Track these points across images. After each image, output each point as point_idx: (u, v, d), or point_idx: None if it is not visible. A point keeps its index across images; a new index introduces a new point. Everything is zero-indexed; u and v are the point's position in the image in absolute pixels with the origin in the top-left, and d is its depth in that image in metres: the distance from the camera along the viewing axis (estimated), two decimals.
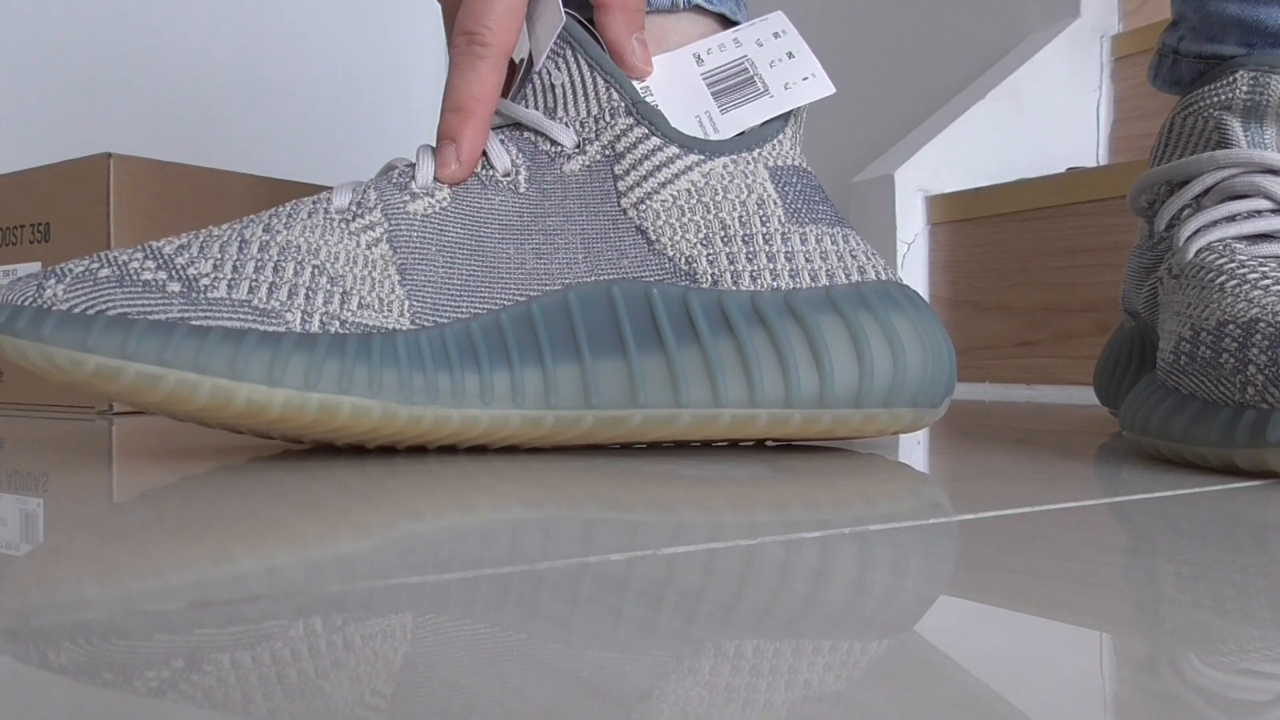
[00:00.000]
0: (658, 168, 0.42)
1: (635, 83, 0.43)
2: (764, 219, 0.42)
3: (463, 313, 0.38)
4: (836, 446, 0.46)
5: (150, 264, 0.37)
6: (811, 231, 0.42)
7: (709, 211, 0.41)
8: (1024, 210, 0.97)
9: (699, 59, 0.45)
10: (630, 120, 0.42)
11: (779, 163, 0.43)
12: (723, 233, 0.41)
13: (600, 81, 0.42)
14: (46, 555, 0.22)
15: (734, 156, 0.42)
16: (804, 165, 0.44)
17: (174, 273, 0.36)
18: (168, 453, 0.43)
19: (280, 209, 0.40)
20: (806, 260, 0.41)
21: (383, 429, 0.37)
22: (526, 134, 0.43)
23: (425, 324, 0.38)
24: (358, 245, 0.38)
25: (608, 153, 0.42)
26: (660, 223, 0.41)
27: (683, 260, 0.41)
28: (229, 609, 0.18)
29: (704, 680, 0.14)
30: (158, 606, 0.18)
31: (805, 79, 0.45)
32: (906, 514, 0.27)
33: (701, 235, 0.41)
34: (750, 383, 0.39)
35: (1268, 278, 0.38)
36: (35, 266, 0.73)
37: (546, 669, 0.14)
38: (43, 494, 0.32)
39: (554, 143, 0.42)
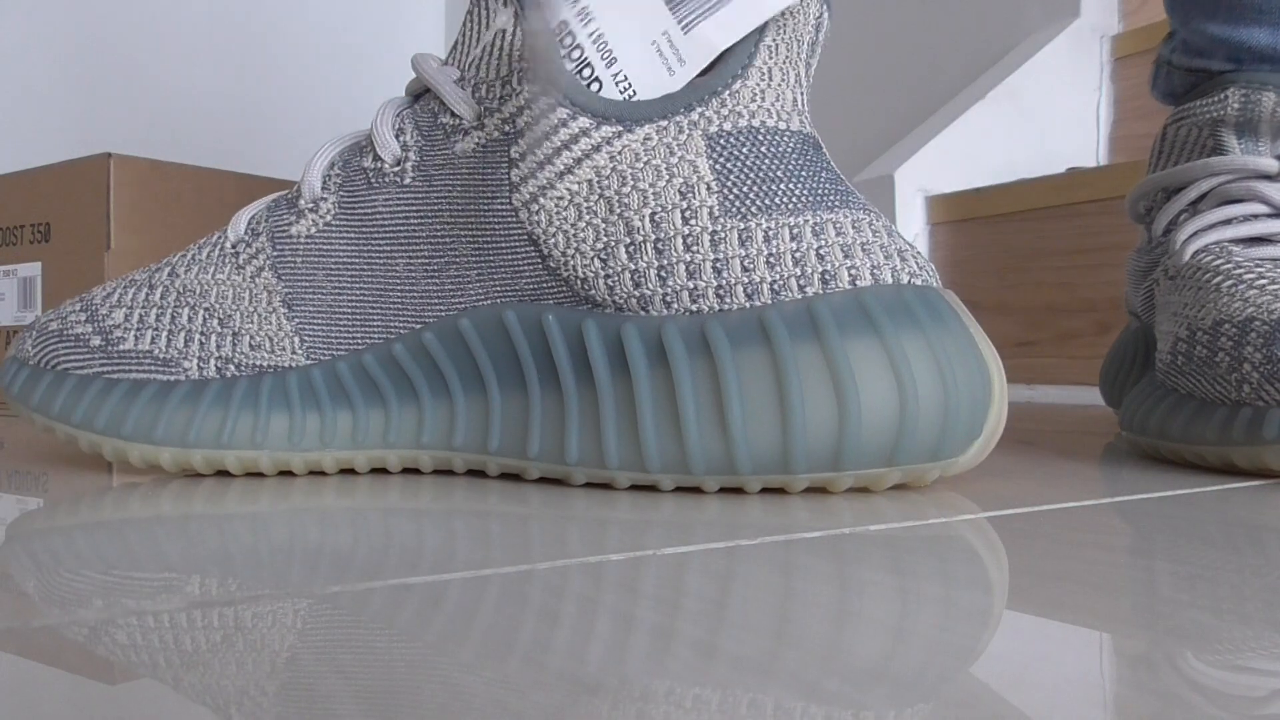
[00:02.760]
0: (559, 150, 0.32)
1: (569, 5, 0.32)
2: (687, 215, 0.31)
3: (357, 344, 0.34)
4: None
5: (81, 315, 0.37)
6: (758, 227, 0.30)
7: (611, 211, 0.31)
8: (1024, 210, 0.97)
9: None
10: (533, 87, 0.32)
11: (729, 125, 0.31)
12: (628, 240, 0.31)
13: (514, 30, 0.33)
14: (46, 555, 0.22)
15: (661, 124, 0.31)
16: (778, 124, 0.32)
17: (96, 324, 0.36)
18: None
19: (190, 247, 0.37)
20: (744, 269, 0.30)
21: (291, 471, 0.35)
22: (432, 103, 0.35)
23: (321, 358, 0.34)
24: (244, 279, 0.35)
25: (507, 128, 0.32)
26: (552, 230, 0.32)
27: (578, 281, 0.32)
28: (229, 609, 0.18)
29: (703, 680, 0.14)
30: (158, 606, 0.18)
31: None
32: (906, 515, 0.27)
33: (600, 246, 0.31)
34: (640, 441, 0.30)
35: (1263, 278, 0.38)
36: (35, 266, 0.73)
37: (546, 669, 0.14)
38: (43, 494, 0.32)
39: (453, 114, 0.34)
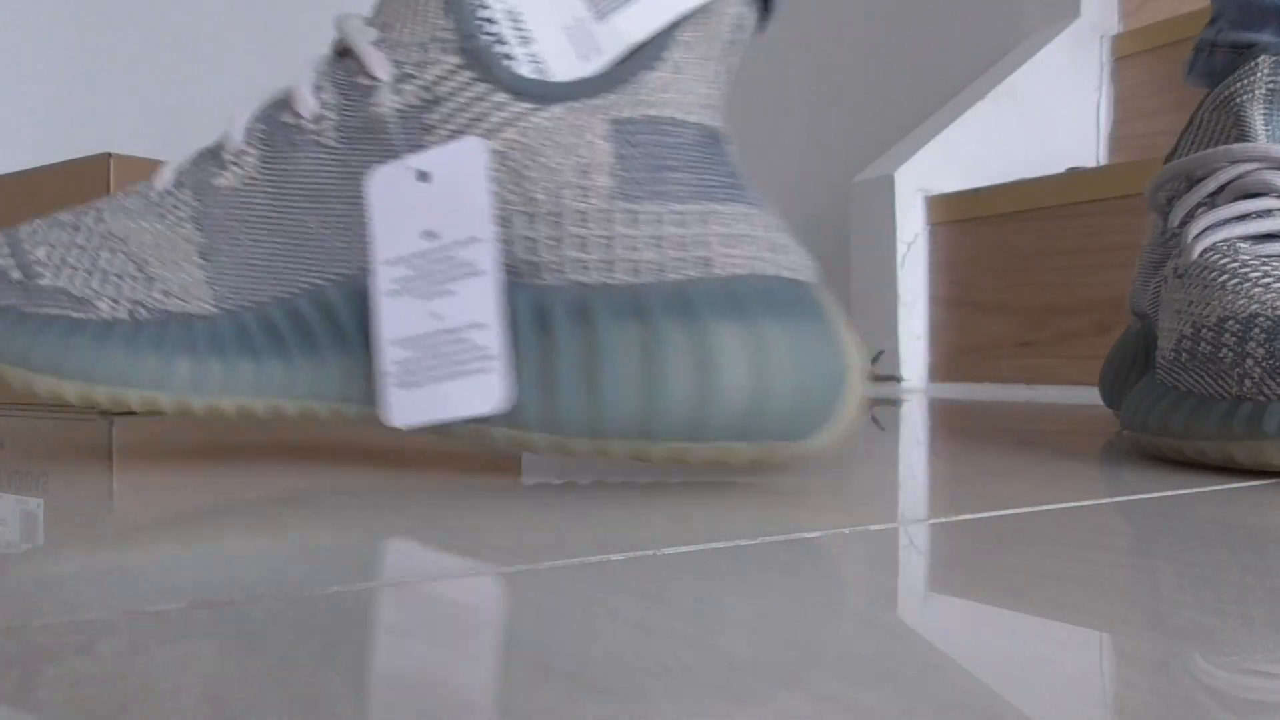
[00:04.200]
0: (472, 122, 0.33)
1: None
2: (583, 193, 0.33)
3: (264, 296, 0.35)
4: (838, 450, 0.46)
5: (5, 249, 0.37)
6: (648, 210, 0.32)
7: (514, 182, 0.33)
8: (1024, 210, 0.97)
9: None
10: (457, 60, 0.34)
11: (634, 113, 0.33)
12: (525, 210, 0.33)
13: (435, 1, 0.34)
14: (46, 555, 0.22)
15: (572, 104, 0.33)
16: (682, 116, 0.34)
17: (19, 258, 0.37)
18: (168, 453, 0.43)
19: (118, 194, 0.38)
20: (631, 249, 0.32)
21: (192, 414, 0.36)
22: (352, 63, 0.35)
23: (229, 308, 0.35)
24: (165, 227, 0.36)
25: (425, 96, 0.34)
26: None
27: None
28: (229, 609, 0.18)
29: (703, 680, 0.14)
30: (158, 606, 0.18)
31: None
32: (902, 515, 0.27)
33: (500, 214, 0.33)
34: (520, 400, 0.32)
35: (1269, 275, 0.38)
36: None
37: (546, 668, 0.14)
38: (43, 494, 0.32)
39: (371, 76, 0.35)
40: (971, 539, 0.24)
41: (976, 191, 1.02)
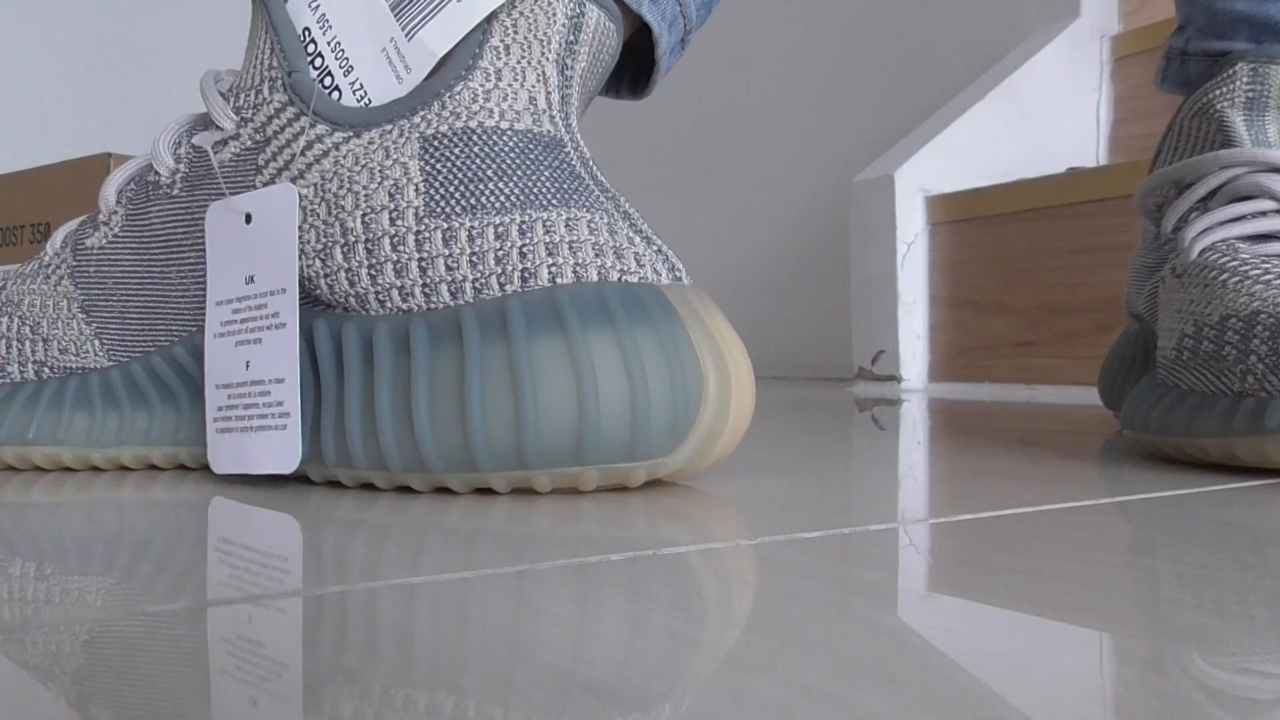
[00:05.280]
0: (294, 157, 0.33)
1: (309, 6, 0.33)
2: (394, 216, 0.31)
3: (149, 346, 0.36)
4: (836, 448, 0.46)
5: None
6: (462, 226, 0.31)
7: (330, 213, 0.32)
8: (1024, 210, 0.97)
9: None
10: (284, 97, 0.33)
11: (445, 127, 0.32)
12: (343, 241, 0.32)
13: (267, 40, 0.34)
14: (47, 555, 0.22)
15: (385, 127, 0.32)
16: (499, 124, 0.32)
17: None
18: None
19: (26, 263, 0.40)
20: (448, 269, 0.31)
21: (94, 465, 0.37)
22: (207, 117, 0.36)
23: (120, 359, 0.37)
24: (49, 287, 0.38)
25: (257, 137, 0.34)
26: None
27: (305, 281, 0.33)
28: (229, 609, 0.18)
29: (704, 680, 0.14)
30: (158, 606, 0.18)
31: None
32: (902, 515, 0.27)
33: (320, 246, 0.32)
34: (346, 438, 0.31)
35: (1270, 273, 0.38)
36: None
37: (544, 669, 0.14)
38: (42, 493, 0.32)
39: (218, 127, 0.35)
40: (971, 539, 0.24)
41: (976, 191, 1.02)
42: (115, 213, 0.37)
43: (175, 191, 0.36)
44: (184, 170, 0.36)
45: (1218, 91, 0.46)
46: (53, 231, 0.72)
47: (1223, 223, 0.42)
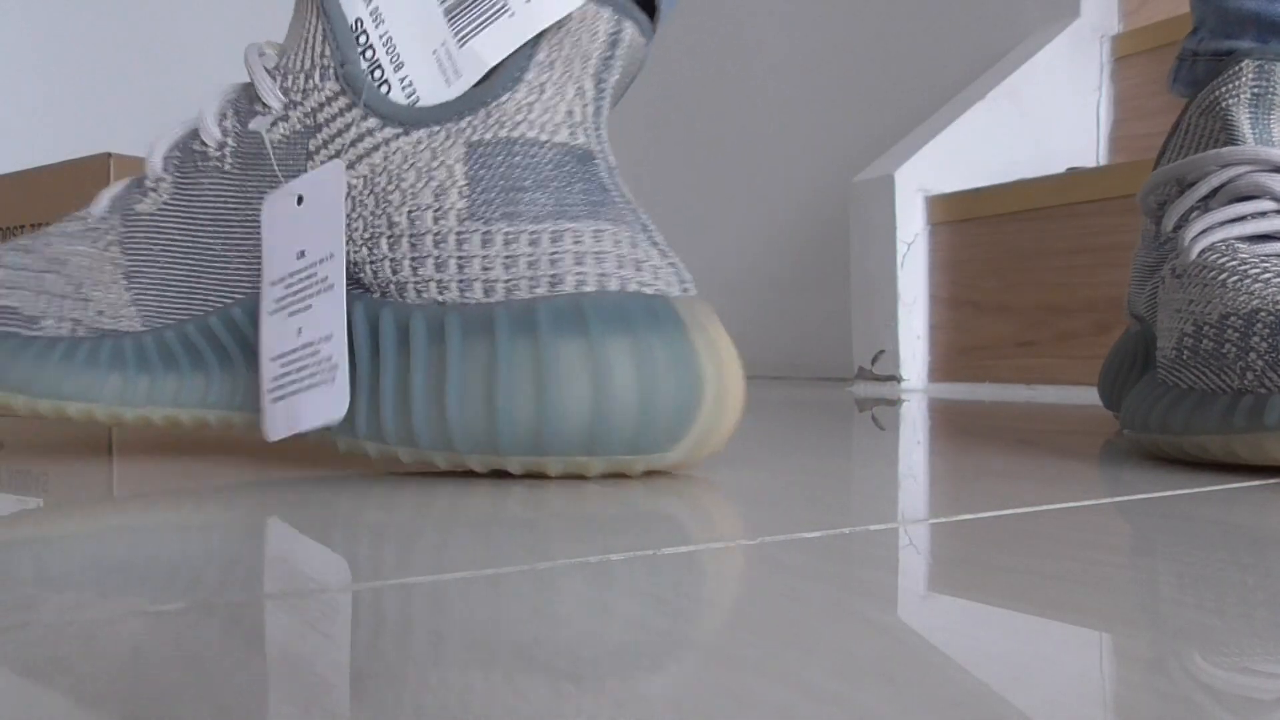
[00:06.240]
0: (347, 146, 0.35)
1: (363, 3, 0.35)
2: (437, 215, 0.34)
3: (183, 315, 0.38)
4: (836, 448, 0.46)
5: None
6: (500, 230, 0.33)
7: (379, 204, 0.34)
8: (1024, 210, 0.97)
9: None
10: (336, 86, 0.35)
11: (490, 135, 0.34)
12: (389, 233, 0.34)
13: (320, 28, 0.36)
14: (46, 555, 0.22)
15: (433, 129, 0.34)
16: (539, 136, 0.34)
17: None
18: (168, 453, 0.43)
19: (65, 220, 0.41)
20: (484, 269, 0.33)
21: (124, 424, 0.39)
22: (251, 91, 0.37)
23: (154, 326, 0.38)
24: (97, 251, 0.39)
25: (308, 122, 0.36)
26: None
27: (351, 266, 0.35)
28: (229, 609, 0.18)
29: (704, 680, 0.14)
30: (158, 606, 0.18)
31: None
32: (902, 515, 0.27)
33: (368, 235, 0.35)
34: (379, 415, 0.33)
35: (1269, 272, 0.38)
36: None
37: (543, 667, 0.14)
38: (43, 494, 0.32)
39: (265, 105, 0.37)
40: (971, 539, 0.24)
41: (976, 191, 1.02)
42: (163, 179, 0.38)
43: (226, 167, 0.37)
44: (233, 145, 0.37)
45: (1224, 89, 0.46)
46: None
47: (1223, 223, 0.42)
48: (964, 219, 1.03)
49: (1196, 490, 0.32)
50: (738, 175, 1.54)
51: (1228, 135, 0.45)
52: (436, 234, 0.34)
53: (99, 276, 0.38)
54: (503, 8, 0.34)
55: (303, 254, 0.35)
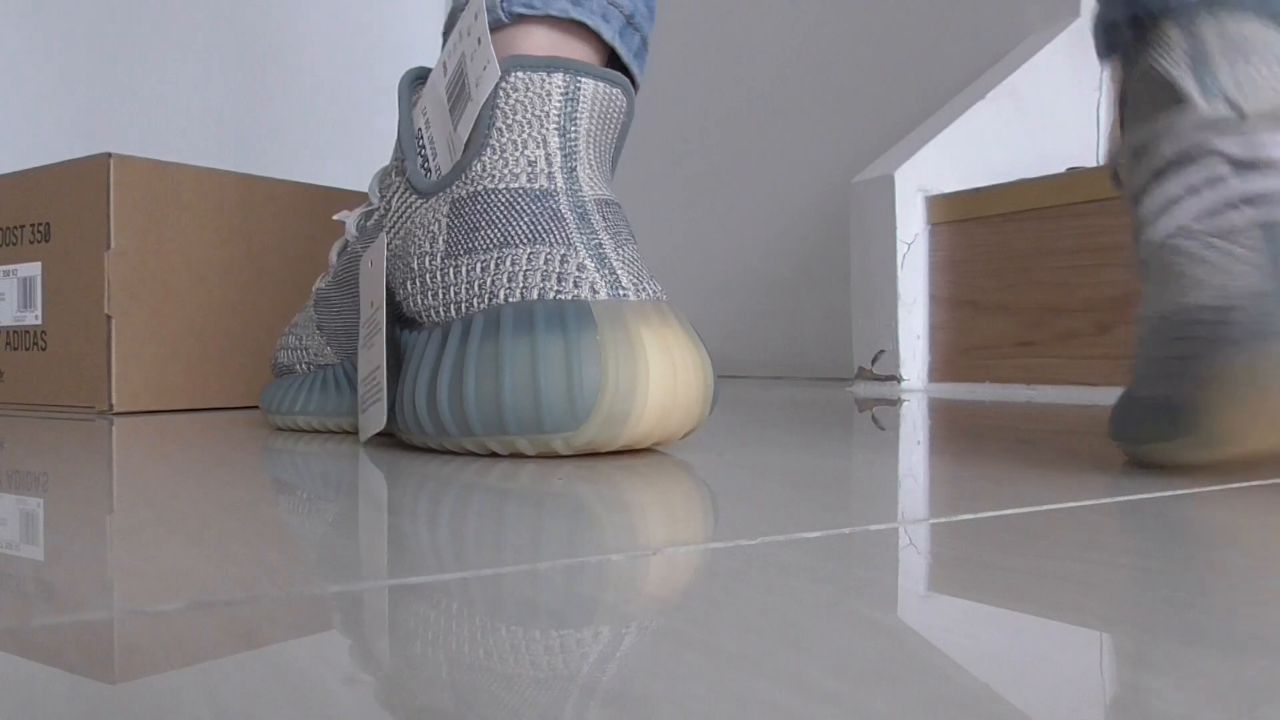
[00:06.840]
0: (398, 219, 0.46)
1: (421, 112, 0.47)
2: (429, 257, 0.43)
3: (348, 351, 0.52)
4: (836, 448, 0.46)
5: (290, 339, 0.58)
6: (465, 263, 0.42)
7: (405, 256, 0.45)
8: (1024, 210, 0.97)
9: (445, 68, 0.46)
10: (400, 178, 0.47)
11: (467, 191, 0.43)
12: (407, 276, 0.44)
13: (398, 137, 0.47)
14: (47, 555, 0.22)
15: (437, 195, 0.44)
16: (501, 185, 0.42)
17: (279, 345, 0.59)
18: (168, 453, 0.43)
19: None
20: (456, 294, 0.42)
21: (329, 429, 0.53)
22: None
23: (339, 359, 0.53)
24: (304, 318, 0.56)
25: (384, 208, 0.48)
26: (389, 267, 0.47)
27: (399, 304, 0.46)
28: (229, 609, 0.18)
29: (704, 680, 0.14)
30: (158, 606, 0.18)
31: (485, 67, 0.43)
32: (902, 515, 0.27)
33: (399, 279, 0.45)
34: (401, 403, 0.43)
35: (1205, 261, 0.37)
36: (35, 266, 0.73)
37: (542, 668, 0.14)
38: (43, 494, 0.32)
39: (370, 203, 0.50)
40: (971, 539, 0.24)
41: (976, 191, 1.02)
42: (332, 264, 0.54)
43: (354, 247, 0.51)
44: (356, 234, 0.51)
45: (1156, 52, 0.45)
46: (52, 231, 0.72)
47: (1179, 198, 0.41)
48: (964, 219, 1.03)
49: (1196, 490, 0.32)
50: (738, 175, 1.54)
51: (1172, 96, 0.44)
52: (430, 272, 0.43)
53: (311, 330, 0.55)
54: (468, 98, 0.43)
55: (371, 304, 0.46)
